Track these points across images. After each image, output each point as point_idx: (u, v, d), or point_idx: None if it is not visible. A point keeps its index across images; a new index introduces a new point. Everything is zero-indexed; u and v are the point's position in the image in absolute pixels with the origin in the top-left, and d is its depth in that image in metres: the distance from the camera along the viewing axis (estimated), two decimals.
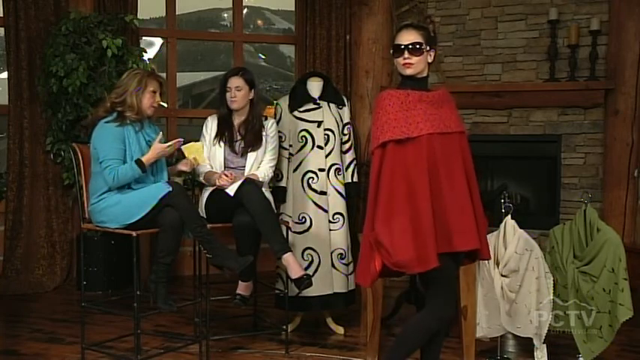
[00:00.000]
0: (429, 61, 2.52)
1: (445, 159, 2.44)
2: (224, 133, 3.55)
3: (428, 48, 2.49)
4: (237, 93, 3.52)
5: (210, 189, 3.50)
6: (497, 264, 3.27)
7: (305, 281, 3.27)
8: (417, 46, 2.46)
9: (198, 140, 3.44)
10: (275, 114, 3.81)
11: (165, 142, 3.21)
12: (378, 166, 2.44)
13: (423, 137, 2.41)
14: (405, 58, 2.47)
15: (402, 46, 2.47)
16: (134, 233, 3.07)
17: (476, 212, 2.47)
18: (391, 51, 2.53)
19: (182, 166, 3.41)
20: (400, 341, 2.55)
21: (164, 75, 5.61)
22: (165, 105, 5.37)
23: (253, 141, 3.54)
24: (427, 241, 2.33)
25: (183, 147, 3.34)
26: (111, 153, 3.13)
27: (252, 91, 3.56)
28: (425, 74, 2.54)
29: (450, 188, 2.42)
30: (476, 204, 2.49)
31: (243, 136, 3.56)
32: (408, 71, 2.48)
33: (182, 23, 6.78)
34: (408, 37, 2.47)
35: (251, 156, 3.55)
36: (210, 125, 3.60)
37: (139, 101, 3.23)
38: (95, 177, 3.22)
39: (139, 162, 3.14)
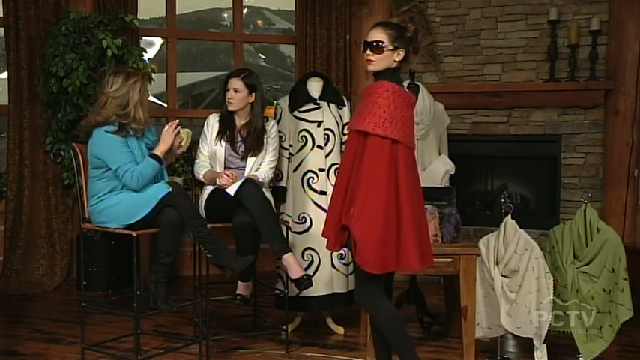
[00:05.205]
0: (397, 59, 2.59)
1: (351, 157, 2.59)
2: (225, 133, 3.55)
3: (393, 48, 2.56)
4: (235, 95, 3.50)
5: (210, 189, 3.50)
6: (497, 264, 3.27)
7: (305, 281, 3.27)
8: (378, 45, 2.56)
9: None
10: (275, 114, 3.81)
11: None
12: None
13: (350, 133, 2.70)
14: (367, 55, 2.59)
15: (366, 43, 2.59)
16: (134, 233, 3.08)
17: (352, 216, 2.49)
18: (362, 46, 2.65)
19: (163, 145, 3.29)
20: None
21: (164, 75, 5.63)
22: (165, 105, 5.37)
23: (255, 146, 3.52)
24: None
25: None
26: (123, 159, 3.12)
27: (253, 94, 3.52)
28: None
29: (346, 184, 2.58)
30: (350, 208, 2.51)
31: (244, 139, 3.55)
32: (369, 68, 2.62)
33: (182, 23, 6.76)
34: (373, 35, 2.60)
35: (251, 158, 3.55)
36: (212, 124, 3.59)
37: (144, 112, 3.19)
38: (93, 181, 3.20)
39: (153, 156, 3.14)
